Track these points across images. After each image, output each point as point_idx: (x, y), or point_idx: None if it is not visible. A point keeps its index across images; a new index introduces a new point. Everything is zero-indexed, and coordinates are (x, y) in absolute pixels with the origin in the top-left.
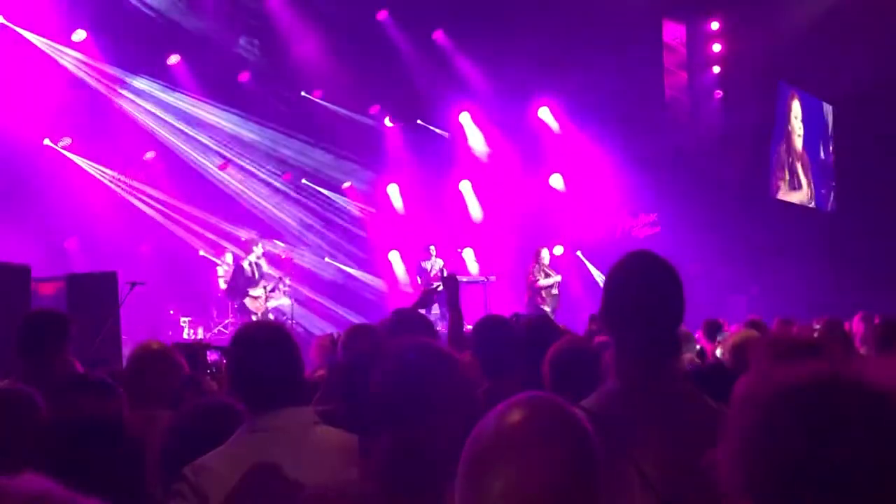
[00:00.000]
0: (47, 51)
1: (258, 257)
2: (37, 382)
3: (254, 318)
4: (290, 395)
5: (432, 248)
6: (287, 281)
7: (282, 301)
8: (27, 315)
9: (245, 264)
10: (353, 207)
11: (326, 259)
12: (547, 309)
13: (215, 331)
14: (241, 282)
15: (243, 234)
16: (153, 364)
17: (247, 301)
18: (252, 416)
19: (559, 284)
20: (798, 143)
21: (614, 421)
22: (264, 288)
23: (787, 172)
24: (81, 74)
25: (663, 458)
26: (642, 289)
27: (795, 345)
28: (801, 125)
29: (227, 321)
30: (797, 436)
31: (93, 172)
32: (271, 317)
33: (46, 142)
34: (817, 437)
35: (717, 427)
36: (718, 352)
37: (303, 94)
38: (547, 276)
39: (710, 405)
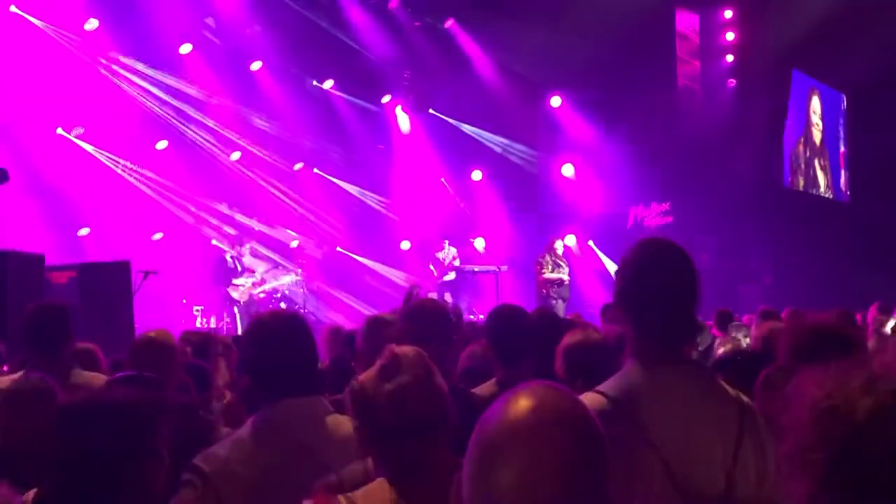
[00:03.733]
0: (59, 39)
1: (241, 253)
2: (47, 373)
3: (235, 308)
4: (304, 385)
5: (446, 241)
6: (300, 271)
7: (285, 280)
8: (29, 312)
9: (227, 257)
10: (365, 197)
11: (338, 249)
12: (556, 302)
13: (227, 319)
14: (222, 273)
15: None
16: (153, 354)
17: (229, 289)
18: (266, 406)
19: (569, 275)
20: (817, 134)
21: (635, 406)
22: (247, 278)
23: (804, 164)
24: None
25: (683, 443)
26: (662, 274)
27: (823, 336)
28: (819, 115)
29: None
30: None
31: (105, 162)
32: (283, 305)
33: (59, 131)
34: None
35: (735, 412)
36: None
37: (314, 83)
38: (556, 266)
39: (728, 392)
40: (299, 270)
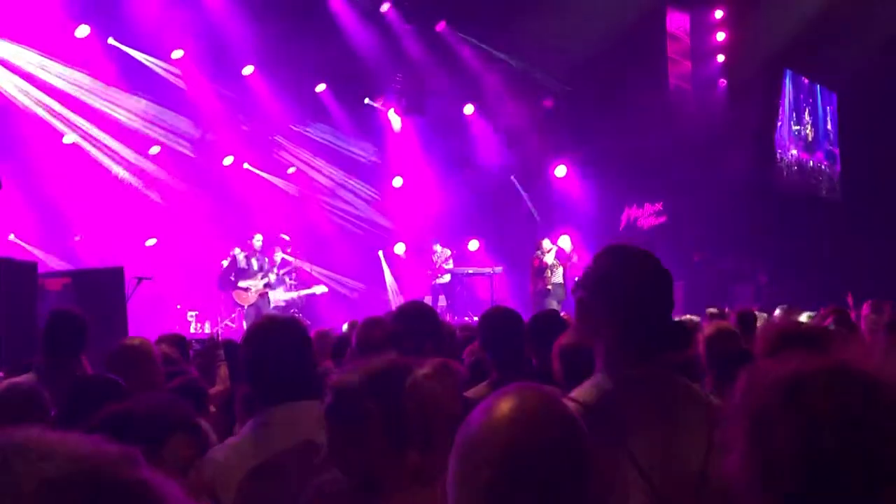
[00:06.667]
0: (52, 43)
1: (254, 251)
2: (56, 381)
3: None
4: (302, 389)
5: (437, 244)
6: (294, 276)
7: (287, 295)
8: (51, 315)
9: (240, 256)
10: (358, 200)
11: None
12: (552, 303)
13: (222, 324)
14: (233, 273)
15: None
16: (130, 361)
17: (235, 293)
18: (264, 410)
19: (563, 276)
20: (809, 133)
21: (608, 412)
22: (260, 279)
23: (796, 163)
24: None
25: (658, 450)
26: (634, 281)
27: (799, 334)
28: (811, 115)
29: (233, 314)
30: (796, 426)
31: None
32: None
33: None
34: (816, 427)
35: (705, 414)
36: None
37: (317, 89)
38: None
39: (701, 396)
40: (294, 274)
